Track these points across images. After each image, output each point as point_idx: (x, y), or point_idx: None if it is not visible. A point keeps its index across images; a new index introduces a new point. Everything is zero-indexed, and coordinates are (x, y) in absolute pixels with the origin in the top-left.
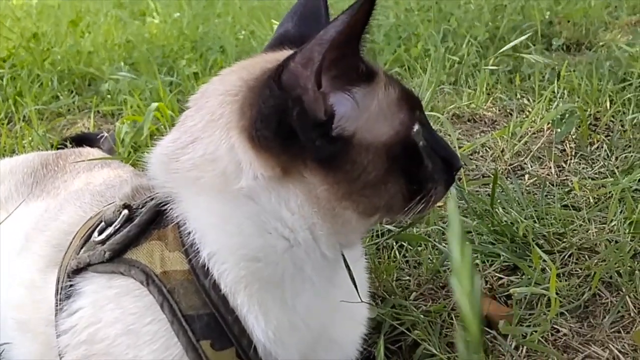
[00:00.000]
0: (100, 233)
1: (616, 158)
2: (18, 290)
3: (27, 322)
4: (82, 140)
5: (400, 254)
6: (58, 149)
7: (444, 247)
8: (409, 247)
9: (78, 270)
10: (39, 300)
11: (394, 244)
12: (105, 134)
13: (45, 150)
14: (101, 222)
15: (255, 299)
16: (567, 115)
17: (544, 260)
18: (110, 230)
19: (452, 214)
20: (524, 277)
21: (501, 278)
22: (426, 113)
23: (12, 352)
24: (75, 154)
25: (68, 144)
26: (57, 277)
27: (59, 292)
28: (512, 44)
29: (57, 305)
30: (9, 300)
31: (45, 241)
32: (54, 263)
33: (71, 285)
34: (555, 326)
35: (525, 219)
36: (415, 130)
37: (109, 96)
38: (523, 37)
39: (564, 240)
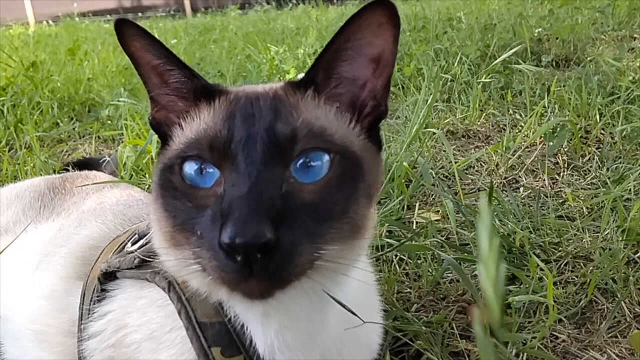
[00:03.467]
0: (133, 244)
1: (607, 169)
2: (36, 302)
3: (45, 332)
4: (85, 164)
5: (400, 267)
6: (60, 173)
7: (447, 256)
8: (409, 260)
9: (108, 275)
10: (60, 309)
11: (394, 257)
12: (107, 158)
13: (47, 175)
14: (135, 234)
15: (252, 314)
16: (558, 129)
17: (541, 269)
18: (142, 241)
19: (483, 207)
20: (522, 286)
21: None
22: (423, 129)
23: None
24: (82, 177)
25: (70, 168)
26: (82, 289)
27: (89, 298)
28: (503, 56)
29: (82, 312)
30: (26, 313)
31: (67, 253)
32: (78, 275)
33: (103, 290)
34: (554, 333)
35: (521, 229)
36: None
37: (109, 122)
38: (513, 50)
39: (560, 249)
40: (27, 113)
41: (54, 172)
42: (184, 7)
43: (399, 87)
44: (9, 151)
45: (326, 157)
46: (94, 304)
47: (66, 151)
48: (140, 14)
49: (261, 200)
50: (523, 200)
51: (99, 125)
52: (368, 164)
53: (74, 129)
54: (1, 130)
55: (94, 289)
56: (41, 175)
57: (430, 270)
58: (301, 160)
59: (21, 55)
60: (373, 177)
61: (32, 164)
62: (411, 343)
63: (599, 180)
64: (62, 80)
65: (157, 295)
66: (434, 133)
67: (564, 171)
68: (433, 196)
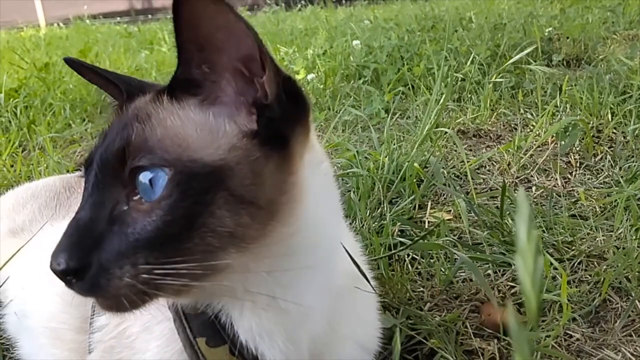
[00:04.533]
0: None
1: (620, 168)
2: (51, 299)
3: (58, 330)
4: None
5: (412, 266)
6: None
7: (461, 254)
8: (421, 259)
9: None
10: (73, 306)
11: (406, 256)
12: None
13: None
14: None
15: (232, 304)
16: (570, 128)
17: (555, 268)
18: None
19: (521, 199)
20: None
21: (513, 287)
22: (434, 129)
23: None
24: None
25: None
26: None
27: None
28: (514, 58)
29: (94, 308)
30: (42, 311)
31: None
32: None
33: None
34: (568, 331)
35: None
36: None
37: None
38: (524, 52)
39: (573, 248)
40: (40, 114)
41: (67, 172)
42: None
43: (408, 87)
44: (22, 152)
45: (163, 174)
46: None
47: (79, 152)
48: (150, 16)
49: (79, 226)
50: (535, 200)
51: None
52: (241, 170)
53: (86, 130)
54: (14, 131)
55: None
56: (54, 175)
57: (443, 270)
58: (140, 179)
59: (33, 57)
60: (253, 180)
61: (45, 165)
62: (425, 341)
63: (612, 180)
64: (74, 82)
65: None
66: (446, 132)
67: (576, 170)
68: (445, 196)
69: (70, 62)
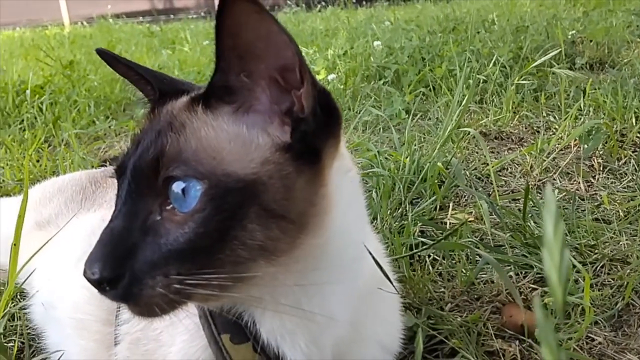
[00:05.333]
0: None
1: None
2: (78, 291)
3: (84, 321)
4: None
5: (433, 267)
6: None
7: (485, 254)
8: (443, 260)
9: None
10: (100, 298)
11: (427, 257)
12: None
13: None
14: None
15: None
16: (593, 131)
17: (577, 271)
18: None
19: (549, 195)
20: None
21: (535, 289)
22: (457, 129)
23: (68, 350)
24: None
25: (108, 164)
26: None
27: None
28: (538, 61)
29: None
30: (69, 302)
31: None
32: None
33: None
34: (590, 335)
35: None
36: None
37: (143, 120)
38: (549, 56)
39: (596, 251)
40: (65, 111)
41: (92, 167)
42: (214, 9)
43: (429, 88)
44: (48, 147)
45: (196, 185)
46: None
47: (103, 148)
48: (172, 16)
49: (113, 235)
50: (558, 203)
51: (134, 124)
52: (274, 184)
53: (110, 127)
54: (40, 127)
55: None
56: (79, 170)
57: (465, 271)
58: (173, 188)
59: (57, 54)
60: (284, 195)
61: (70, 160)
62: (446, 341)
63: (636, 184)
64: (98, 79)
65: None
66: (468, 134)
67: (599, 174)
68: (466, 197)
69: (102, 53)
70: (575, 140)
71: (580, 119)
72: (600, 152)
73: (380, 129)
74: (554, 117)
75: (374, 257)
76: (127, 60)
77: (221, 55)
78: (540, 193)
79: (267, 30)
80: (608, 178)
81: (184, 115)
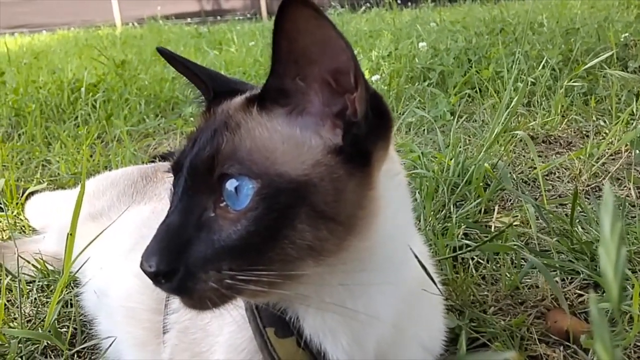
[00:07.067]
0: None
1: None
2: (130, 280)
3: (134, 309)
4: (170, 156)
5: (477, 270)
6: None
7: (531, 257)
8: (487, 263)
9: None
10: (150, 288)
11: (471, 260)
12: None
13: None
14: None
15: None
16: None
17: (626, 279)
18: None
19: (607, 192)
20: (604, 294)
21: (581, 295)
22: (506, 132)
23: (118, 337)
24: None
25: (157, 160)
26: None
27: None
28: (591, 63)
29: None
30: (120, 291)
31: None
32: None
33: None
34: (638, 343)
35: None
36: None
37: (191, 119)
38: (601, 58)
39: None
40: (118, 108)
41: (142, 163)
42: (260, 11)
43: (475, 90)
44: (101, 143)
45: (249, 183)
46: None
47: (152, 145)
48: (219, 17)
49: (169, 230)
50: None
51: (182, 122)
52: (325, 186)
53: (159, 124)
54: (94, 123)
55: None
56: (130, 165)
57: (509, 275)
58: (226, 185)
59: (110, 54)
60: (334, 197)
61: (122, 155)
62: (489, 344)
63: None
64: (149, 79)
65: None
66: (514, 136)
67: None
68: (512, 201)
69: (162, 52)
70: (626, 145)
71: (632, 123)
72: None
73: (424, 130)
74: (604, 122)
75: (419, 260)
76: (185, 59)
77: (278, 59)
78: (588, 199)
79: (325, 35)
80: None
81: (239, 115)
